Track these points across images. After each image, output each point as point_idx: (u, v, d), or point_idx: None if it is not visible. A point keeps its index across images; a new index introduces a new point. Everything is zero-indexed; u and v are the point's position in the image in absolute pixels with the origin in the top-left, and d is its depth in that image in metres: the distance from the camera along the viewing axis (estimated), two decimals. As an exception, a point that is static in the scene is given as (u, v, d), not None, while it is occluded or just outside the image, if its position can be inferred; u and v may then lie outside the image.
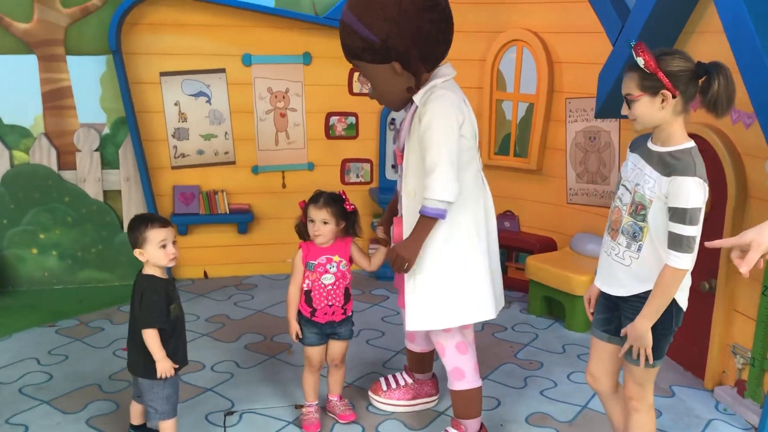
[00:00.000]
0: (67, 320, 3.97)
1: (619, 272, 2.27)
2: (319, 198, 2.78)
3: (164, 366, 2.52)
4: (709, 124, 3.28)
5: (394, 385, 3.12)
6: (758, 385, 3.09)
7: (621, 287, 2.28)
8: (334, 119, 4.71)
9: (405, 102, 2.67)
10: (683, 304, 2.27)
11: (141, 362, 2.57)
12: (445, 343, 2.74)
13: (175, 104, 4.46)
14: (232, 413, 3.05)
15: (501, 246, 4.55)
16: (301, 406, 3.06)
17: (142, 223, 2.53)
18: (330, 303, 2.82)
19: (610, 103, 3.69)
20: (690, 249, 2.09)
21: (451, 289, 2.63)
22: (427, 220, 2.51)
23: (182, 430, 2.88)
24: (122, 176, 4.45)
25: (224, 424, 2.97)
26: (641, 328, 2.19)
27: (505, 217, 4.68)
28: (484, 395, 3.21)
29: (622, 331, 2.28)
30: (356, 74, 4.68)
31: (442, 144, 2.48)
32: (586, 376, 2.53)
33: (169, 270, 2.67)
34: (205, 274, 4.74)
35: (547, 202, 4.54)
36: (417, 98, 2.59)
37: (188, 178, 4.57)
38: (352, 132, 4.75)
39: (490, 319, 2.70)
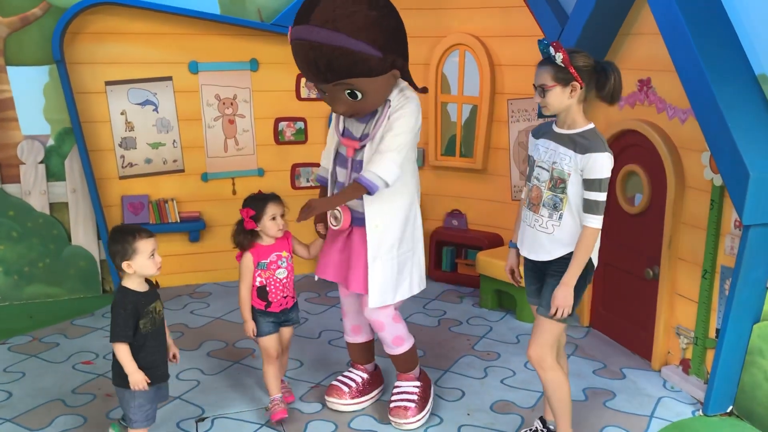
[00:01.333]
0: (19, 337, 3.87)
1: (544, 240, 2.58)
2: (270, 196, 2.97)
3: (135, 378, 2.52)
4: (647, 121, 3.50)
5: (353, 385, 3.19)
6: (701, 362, 3.31)
7: (546, 253, 2.59)
8: (282, 125, 4.75)
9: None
10: (596, 261, 2.60)
11: (116, 372, 2.57)
12: (384, 319, 2.96)
13: (122, 113, 4.41)
14: (203, 419, 3.06)
15: (450, 243, 4.78)
16: (272, 408, 3.12)
17: (128, 234, 2.54)
18: (285, 294, 3.03)
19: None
20: (602, 212, 2.48)
21: (407, 266, 2.95)
22: (358, 188, 2.72)
23: (155, 439, 2.89)
24: (69, 188, 4.37)
25: (197, 430, 2.98)
26: (567, 292, 2.49)
27: (452, 215, 4.83)
28: (448, 387, 3.38)
29: (552, 303, 2.51)
30: (303, 80, 4.73)
31: (405, 134, 2.72)
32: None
33: (149, 281, 2.68)
34: (157, 283, 4.67)
35: (493, 200, 4.70)
36: (393, 98, 2.74)
37: (137, 187, 4.52)
38: (301, 137, 4.80)
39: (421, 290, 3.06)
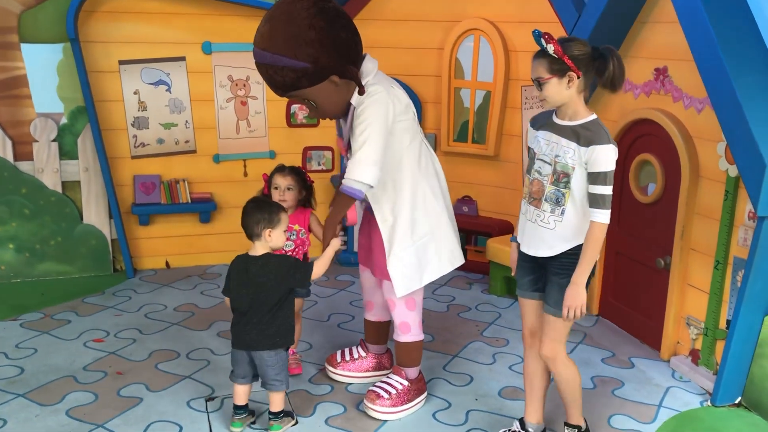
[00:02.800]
0: (31, 314, 3.90)
1: (546, 235, 2.51)
2: (284, 167, 3.11)
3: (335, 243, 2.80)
4: (663, 110, 3.48)
5: (348, 358, 3.28)
6: (711, 353, 3.31)
7: (548, 249, 2.52)
8: (295, 107, 4.74)
9: (347, 106, 2.81)
10: (598, 255, 2.53)
11: (276, 335, 2.74)
12: (396, 300, 2.97)
13: (135, 93, 4.41)
14: (212, 399, 3.08)
15: (460, 230, 4.74)
16: (281, 389, 3.15)
17: (276, 205, 2.78)
18: None
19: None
20: (610, 205, 2.41)
21: (429, 248, 2.93)
22: (345, 198, 2.74)
23: (166, 417, 2.91)
24: (81, 167, 4.38)
25: (207, 409, 3.00)
26: (578, 291, 2.44)
27: (463, 202, 4.82)
28: (456, 372, 3.38)
29: (564, 304, 2.46)
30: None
31: (372, 134, 2.68)
32: (524, 332, 2.74)
33: None
34: (167, 264, 4.72)
35: (504, 187, 4.69)
36: (354, 100, 2.76)
37: (149, 167, 4.53)
38: (313, 120, 4.79)
39: (461, 264, 3.03)
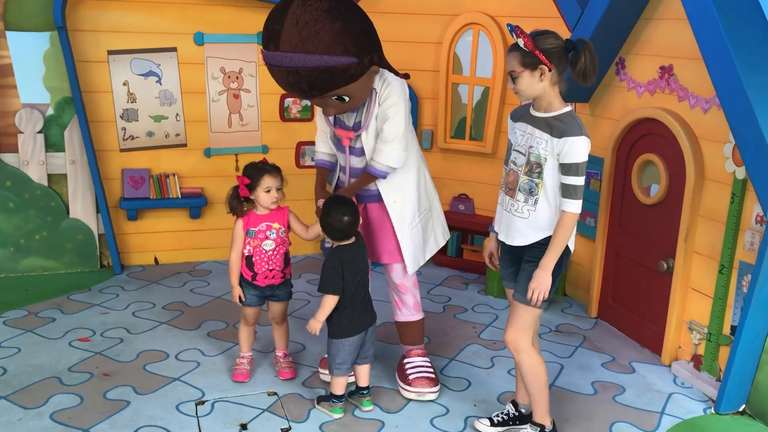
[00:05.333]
0: (15, 311, 3.78)
1: (519, 225, 2.56)
2: (268, 168, 3.00)
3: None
4: (667, 109, 3.39)
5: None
6: (714, 358, 3.23)
7: (522, 237, 2.57)
8: (288, 101, 4.62)
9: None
10: (572, 246, 2.59)
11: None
12: (408, 283, 3.11)
13: (124, 84, 4.28)
14: (203, 402, 2.98)
15: (456, 228, 4.68)
16: (274, 393, 3.06)
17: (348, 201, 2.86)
18: (270, 267, 3.04)
19: (569, 87, 3.75)
20: (581, 196, 2.45)
21: (429, 224, 3.13)
22: (371, 178, 2.89)
23: (154, 422, 2.81)
24: (68, 159, 4.25)
25: (197, 414, 2.89)
26: (545, 275, 2.48)
27: (459, 200, 4.73)
28: (454, 376, 3.31)
29: (530, 287, 2.49)
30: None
31: (401, 120, 2.81)
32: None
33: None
34: (156, 260, 4.60)
35: (502, 185, 4.60)
36: (377, 85, 2.80)
37: (138, 161, 4.40)
38: (307, 114, 4.68)
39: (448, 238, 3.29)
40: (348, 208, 2.78)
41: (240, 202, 2.99)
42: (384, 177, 2.88)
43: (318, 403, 2.95)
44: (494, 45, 4.40)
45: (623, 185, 3.74)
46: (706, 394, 3.19)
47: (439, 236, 3.20)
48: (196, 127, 4.49)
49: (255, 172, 2.96)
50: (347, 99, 2.71)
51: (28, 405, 2.90)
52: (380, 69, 2.81)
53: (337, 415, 2.89)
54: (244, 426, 2.81)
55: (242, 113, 4.56)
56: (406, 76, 2.89)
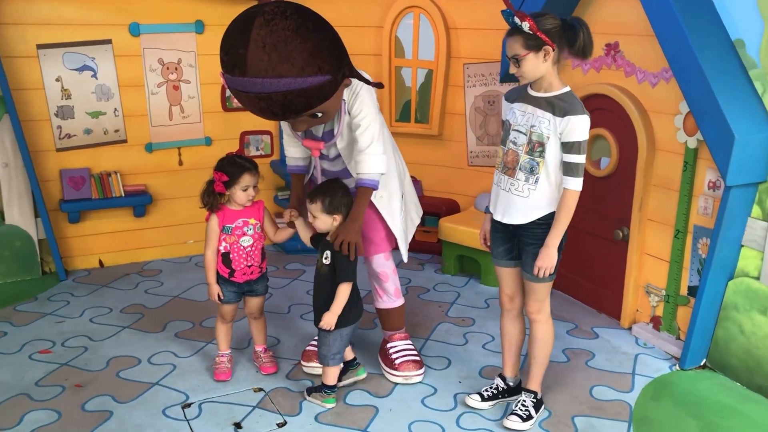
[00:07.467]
0: (-41, 327, 3.55)
1: (519, 204, 2.61)
2: (248, 165, 2.91)
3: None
4: (617, 85, 3.54)
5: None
6: (673, 318, 3.44)
7: (522, 216, 2.63)
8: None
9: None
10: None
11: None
12: (389, 270, 3.13)
13: (57, 80, 4.05)
14: (189, 405, 2.90)
15: (406, 211, 4.72)
16: (260, 389, 3.02)
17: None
18: (249, 263, 3.01)
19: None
20: (582, 174, 2.54)
21: (407, 211, 3.19)
22: (366, 191, 2.82)
23: (143, 429, 2.72)
24: (0, 162, 3.98)
25: (186, 417, 2.82)
26: (550, 253, 2.57)
27: (407, 182, 4.76)
28: (433, 355, 3.36)
29: (536, 264, 2.59)
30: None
31: (374, 127, 2.79)
32: (503, 297, 2.85)
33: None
34: (101, 263, 4.40)
35: (449, 166, 4.68)
36: (346, 95, 2.75)
37: (76, 160, 4.19)
38: (251, 104, 4.58)
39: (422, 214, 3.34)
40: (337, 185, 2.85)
41: (215, 198, 2.91)
42: (376, 186, 2.82)
43: (309, 395, 2.93)
44: (435, 27, 4.44)
45: (574, 160, 3.88)
46: (668, 353, 3.39)
47: (415, 216, 3.28)
48: (136, 121, 4.31)
49: (234, 169, 2.86)
50: (320, 115, 2.61)
51: (2, 425, 2.73)
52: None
53: (330, 405, 2.89)
54: (238, 425, 2.77)
55: (183, 105, 4.42)
56: (379, 86, 2.74)
